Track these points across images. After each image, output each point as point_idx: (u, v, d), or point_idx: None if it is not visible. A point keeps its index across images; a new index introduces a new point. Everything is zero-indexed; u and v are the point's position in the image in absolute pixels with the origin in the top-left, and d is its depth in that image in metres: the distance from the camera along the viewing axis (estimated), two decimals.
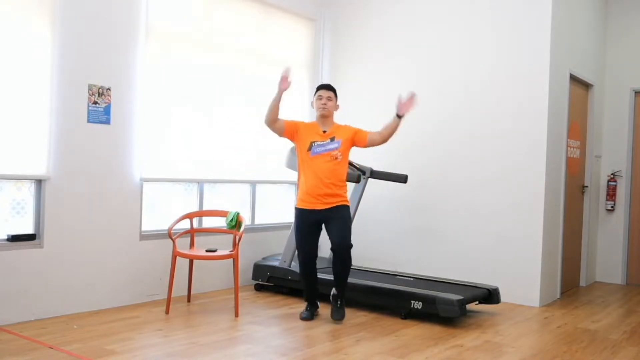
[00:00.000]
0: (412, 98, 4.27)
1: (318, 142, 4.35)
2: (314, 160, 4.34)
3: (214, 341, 3.81)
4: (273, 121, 4.32)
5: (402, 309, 4.60)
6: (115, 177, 4.61)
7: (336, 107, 4.51)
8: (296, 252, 4.64)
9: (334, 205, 4.35)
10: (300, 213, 4.42)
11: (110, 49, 4.53)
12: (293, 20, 6.19)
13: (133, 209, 4.75)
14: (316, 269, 4.52)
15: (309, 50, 6.41)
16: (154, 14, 4.84)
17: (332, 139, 4.36)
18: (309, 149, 4.35)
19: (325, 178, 4.30)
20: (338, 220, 4.35)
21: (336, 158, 4.33)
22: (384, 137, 4.37)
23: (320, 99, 4.42)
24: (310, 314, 4.50)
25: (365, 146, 4.43)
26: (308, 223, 4.39)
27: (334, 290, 4.51)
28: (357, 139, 4.41)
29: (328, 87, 4.50)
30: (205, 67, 5.27)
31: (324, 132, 4.40)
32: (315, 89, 4.55)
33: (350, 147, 4.44)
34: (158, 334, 3.93)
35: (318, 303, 4.62)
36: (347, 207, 4.44)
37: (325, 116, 4.42)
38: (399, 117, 4.28)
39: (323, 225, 4.43)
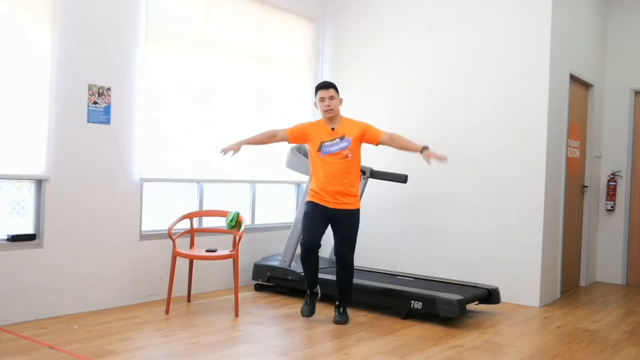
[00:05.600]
0: (442, 159, 4.08)
1: (327, 142, 4.32)
2: (325, 160, 4.31)
3: (214, 341, 3.81)
4: (268, 142, 4.51)
5: (402, 309, 4.60)
6: (115, 177, 4.61)
7: (340, 101, 4.46)
8: (298, 245, 4.61)
9: (346, 207, 4.33)
10: (312, 204, 4.36)
11: (110, 49, 4.54)
12: (293, 20, 6.19)
13: (133, 209, 4.75)
14: (318, 257, 4.40)
15: (309, 50, 6.40)
16: (154, 14, 4.84)
17: (342, 138, 4.32)
18: (319, 149, 4.34)
19: (337, 178, 4.29)
20: (347, 228, 4.35)
21: (347, 157, 4.30)
22: (396, 146, 4.31)
23: (323, 100, 4.36)
24: (311, 308, 4.47)
25: (376, 145, 4.40)
26: (318, 214, 4.33)
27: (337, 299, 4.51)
28: (368, 137, 4.37)
29: (327, 86, 4.41)
30: (205, 67, 5.27)
31: (333, 129, 4.36)
32: (315, 89, 4.48)
33: (361, 144, 4.40)
34: (158, 334, 3.93)
35: (318, 290, 4.55)
36: (358, 211, 4.42)
37: (332, 117, 4.40)
38: (420, 152, 4.16)
39: (330, 223, 4.40)
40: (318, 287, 4.55)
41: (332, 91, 4.39)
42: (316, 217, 4.34)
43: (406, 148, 4.29)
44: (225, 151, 4.38)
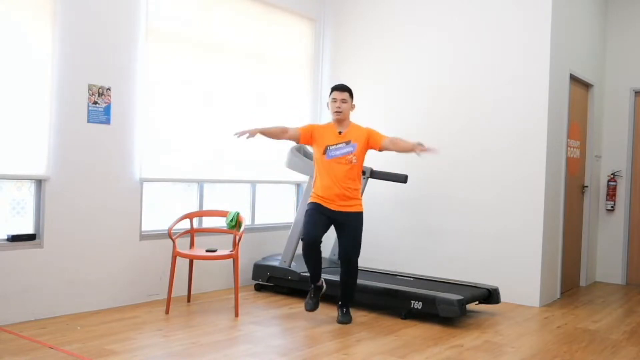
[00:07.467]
0: (434, 150, 4.16)
1: (333, 146, 4.33)
2: (329, 163, 4.32)
3: (214, 341, 3.81)
4: (278, 137, 4.44)
5: (402, 309, 4.60)
6: (115, 177, 4.61)
7: (352, 107, 4.46)
8: (299, 243, 4.62)
9: (350, 210, 4.34)
10: (315, 204, 4.36)
11: (110, 49, 4.53)
12: (293, 20, 6.19)
13: (133, 209, 4.75)
14: (320, 252, 4.35)
15: (309, 50, 6.40)
16: (154, 14, 4.84)
17: (348, 142, 4.33)
18: (324, 152, 4.35)
19: (340, 181, 4.30)
20: (350, 230, 4.35)
21: (351, 162, 4.32)
22: (396, 149, 4.33)
23: (335, 101, 4.38)
24: (315, 302, 4.46)
25: (379, 150, 4.42)
26: (320, 212, 4.33)
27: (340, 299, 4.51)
28: (371, 142, 4.38)
29: (342, 88, 4.42)
30: (205, 67, 5.27)
31: (340, 133, 4.37)
32: (330, 90, 4.49)
33: (366, 150, 4.42)
34: (158, 334, 3.93)
35: (323, 284, 4.52)
36: (361, 214, 4.43)
37: (340, 119, 4.40)
38: (415, 150, 4.17)
39: (333, 225, 4.40)
40: (323, 280, 4.54)
41: (346, 95, 4.40)
42: (318, 215, 4.33)
43: (405, 149, 4.30)
44: (240, 134, 4.34)
